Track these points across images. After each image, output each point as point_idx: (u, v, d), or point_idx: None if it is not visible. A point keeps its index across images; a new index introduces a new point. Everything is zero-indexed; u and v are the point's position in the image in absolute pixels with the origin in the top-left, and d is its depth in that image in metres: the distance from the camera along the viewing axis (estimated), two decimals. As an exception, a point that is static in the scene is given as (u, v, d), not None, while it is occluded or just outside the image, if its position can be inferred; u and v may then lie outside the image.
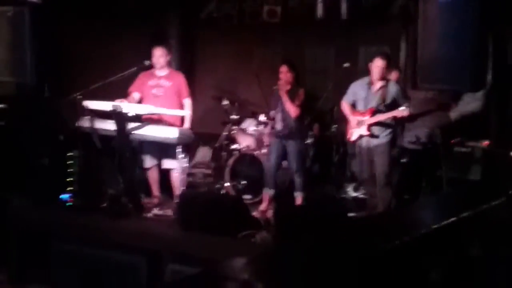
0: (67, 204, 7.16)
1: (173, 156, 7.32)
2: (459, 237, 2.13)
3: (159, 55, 7.45)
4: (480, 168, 7.28)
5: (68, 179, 7.26)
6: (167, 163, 7.51)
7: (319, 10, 8.89)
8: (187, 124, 7.44)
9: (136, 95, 7.50)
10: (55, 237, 6.36)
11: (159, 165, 7.60)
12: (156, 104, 7.22)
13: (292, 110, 7.20)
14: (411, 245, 1.83)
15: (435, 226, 1.95)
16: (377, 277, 1.74)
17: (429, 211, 2.47)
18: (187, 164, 7.51)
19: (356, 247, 1.84)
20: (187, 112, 7.44)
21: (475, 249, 2.18)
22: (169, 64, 7.65)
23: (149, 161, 7.57)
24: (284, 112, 7.31)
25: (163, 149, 7.38)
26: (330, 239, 1.92)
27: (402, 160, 7.54)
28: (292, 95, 7.24)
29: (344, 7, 8.69)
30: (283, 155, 7.47)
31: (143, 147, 7.48)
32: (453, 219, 2.05)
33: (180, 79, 7.56)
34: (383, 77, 6.85)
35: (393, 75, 7.09)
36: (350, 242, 1.89)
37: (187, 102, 7.53)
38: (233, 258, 1.73)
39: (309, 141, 8.11)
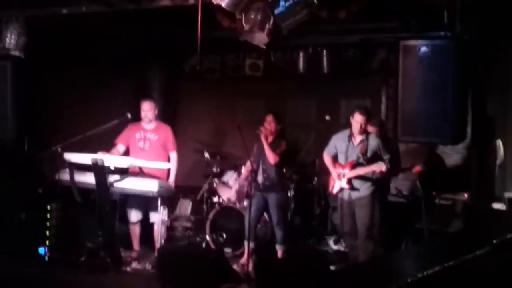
0: (45, 257, 7.02)
1: (154, 209, 7.25)
2: (444, 286, 2.10)
3: (148, 109, 7.45)
4: (461, 220, 7.28)
5: (46, 233, 7.12)
6: (153, 216, 7.42)
7: (301, 64, 8.99)
8: (172, 177, 7.41)
9: (121, 147, 7.48)
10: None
11: (143, 219, 7.52)
12: (142, 158, 7.20)
13: (272, 157, 7.17)
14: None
15: (420, 275, 1.92)
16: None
17: (412, 260, 2.43)
18: (167, 217, 7.42)
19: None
20: (168, 165, 7.40)
21: (460, 299, 2.14)
22: (156, 117, 7.63)
23: (134, 215, 7.50)
24: (265, 163, 7.29)
25: (147, 203, 7.31)
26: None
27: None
28: (274, 147, 7.23)
29: (325, 61, 8.80)
30: (264, 208, 7.41)
31: (128, 201, 7.40)
32: (437, 268, 2.01)
33: (167, 132, 7.56)
34: (364, 131, 6.87)
35: (369, 129, 7.13)
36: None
37: (173, 155, 7.52)
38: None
39: (290, 193, 8.07)
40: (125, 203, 7.47)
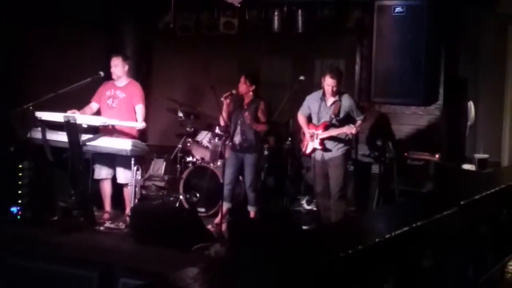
0: (17, 216, 6.99)
1: (126, 168, 7.22)
2: (412, 247, 2.13)
3: (114, 64, 7.34)
4: (432, 181, 7.39)
5: (18, 192, 7.07)
6: (120, 176, 7.39)
7: (276, 23, 8.91)
8: (139, 120, 7.28)
9: (94, 105, 7.41)
10: (3, 250, 6.20)
11: (112, 177, 7.49)
12: (110, 115, 7.14)
13: (262, 128, 7.20)
14: (363, 254, 1.82)
15: (388, 235, 1.95)
16: (330, 285, 1.73)
17: (381, 221, 2.47)
18: (141, 177, 7.40)
19: (308, 255, 1.82)
20: (140, 124, 7.27)
21: (427, 259, 2.18)
22: (127, 74, 7.52)
23: (102, 173, 7.44)
24: (243, 125, 7.25)
25: (117, 161, 7.28)
26: (283, 248, 1.90)
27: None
28: (252, 107, 7.20)
29: (300, 20, 8.74)
30: (241, 168, 7.41)
31: (95, 158, 7.35)
32: (405, 228, 2.05)
33: (134, 88, 7.43)
34: (335, 94, 6.86)
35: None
36: (302, 250, 1.88)
37: (138, 108, 7.34)
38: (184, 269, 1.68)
39: (264, 153, 8.08)
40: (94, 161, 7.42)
